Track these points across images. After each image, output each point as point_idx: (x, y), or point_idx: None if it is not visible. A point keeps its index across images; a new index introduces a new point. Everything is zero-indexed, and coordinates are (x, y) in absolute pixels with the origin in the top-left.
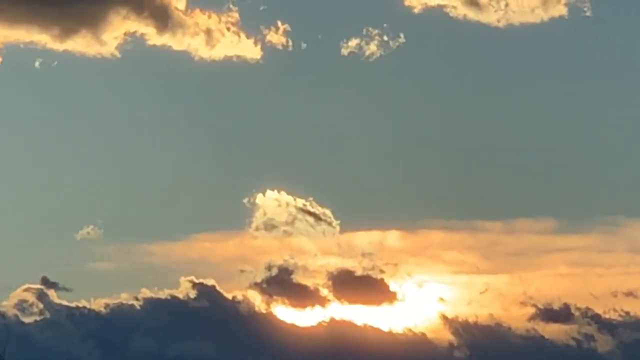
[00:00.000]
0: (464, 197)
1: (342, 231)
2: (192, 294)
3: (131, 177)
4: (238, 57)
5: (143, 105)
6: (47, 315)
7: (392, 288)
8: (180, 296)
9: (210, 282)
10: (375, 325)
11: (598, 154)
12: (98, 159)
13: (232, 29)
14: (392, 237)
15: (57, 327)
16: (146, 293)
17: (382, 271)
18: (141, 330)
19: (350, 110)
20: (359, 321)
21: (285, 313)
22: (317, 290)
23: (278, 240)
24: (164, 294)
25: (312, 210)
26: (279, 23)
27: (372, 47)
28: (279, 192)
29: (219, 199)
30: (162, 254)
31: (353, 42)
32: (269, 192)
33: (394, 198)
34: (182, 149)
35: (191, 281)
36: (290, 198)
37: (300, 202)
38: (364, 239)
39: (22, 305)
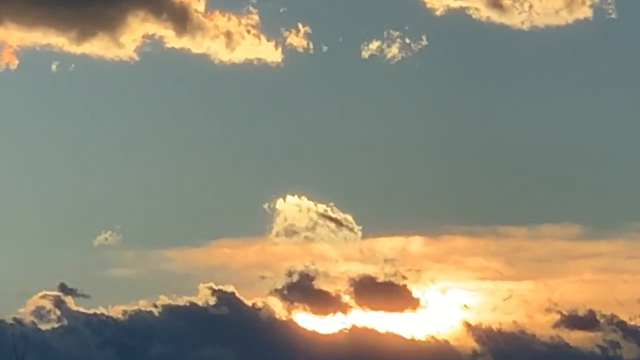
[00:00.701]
0: (488, 202)
1: (364, 237)
2: (212, 300)
3: (150, 182)
4: (259, 60)
5: (162, 110)
6: (65, 322)
7: (414, 295)
8: (200, 303)
9: (229, 288)
10: (398, 333)
11: (625, 158)
12: (116, 164)
13: (252, 31)
14: (415, 243)
15: (75, 334)
16: (165, 300)
17: (404, 277)
18: (160, 338)
19: (372, 114)
20: (381, 328)
21: (306, 320)
22: (338, 297)
23: (299, 246)
24: (182, 300)
25: (333, 215)
26: (300, 25)
27: (394, 49)
28: (299, 197)
29: (239, 204)
30: (182, 260)
31: (374, 45)
32: (289, 197)
33: (417, 203)
34: (202, 153)
35: (210, 288)
36: (311, 203)
37: (321, 207)
38: (386, 244)
39: (39, 312)
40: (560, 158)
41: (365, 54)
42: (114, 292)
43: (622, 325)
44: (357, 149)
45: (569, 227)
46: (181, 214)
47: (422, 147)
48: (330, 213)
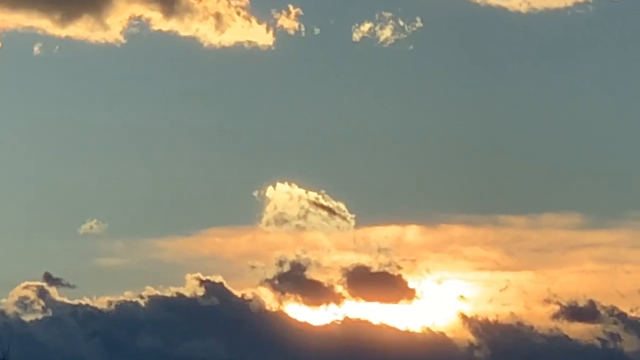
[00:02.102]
0: (487, 190)
1: (357, 226)
2: (200, 291)
3: (138, 169)
4: (249, 43)
5: (149, 94)
6: (49, 313)
7: (409, 285)
8: (187, 294)
9: (217, 278)
10: (392, 324)
11: (627, 146)
12: (102, 150)
13: (243, 13)
14: (411, 232)
15: (59, 326)
16: (151, 291)
17: (399, 267)
18: (148, 329)
19: (366, 99)
20: (375, 320)
21: (298, 311)
22: (331, 287)
23: (290, 235)
24: (169, 291)
25: (325, 204)
26: (291, 7)
27: (387, 32)
28: (289, 185)
29: (229, 192)
30: (171, 250)
31: (366, 27)
32: (279, 185)
33: (413, 191)
34: (190, 139)
35: (198, 278)
36: (302, 191)
37: (312, 195)
38: (381, 233)
39: (22, 303)
40: (561, 145)
41: (356, 36)
42: (100, 282)
43: (622, 317)
44: (350, 135)
45: (570, 216)
46: (171, 202)
47: (418, 133)
48: (321, 201)
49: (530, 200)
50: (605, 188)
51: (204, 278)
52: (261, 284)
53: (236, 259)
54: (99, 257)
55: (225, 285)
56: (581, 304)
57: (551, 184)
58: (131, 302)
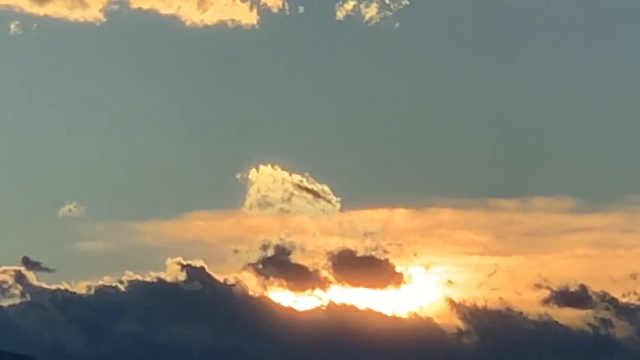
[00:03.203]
0: (477, 173)
1: (343, 209)
2: (181, 276)
3: (118, 151)
4: (232, 21)
5: (130, 75)
6: (28, 298)
7: (396, 270)
8: (168, 279)
9: (199, 263)
10: (378, 309)
11: (621, 130)
12: (82, 132)
13: None
14: (399, 216)
15: (38, 311)
16: (131, 275)
17: (386, 252)
18: (128, 314)
19: (351, 79)
20: (361, 305)
21: (282, 296)
22: (316, 272)
23: (274, 218)
24: (149, 276)
25: (309, 186)
26: None
27: (372, 10)
28: (272, 167)
29: (211, 175)
30: (154, 234)
31: (350, 5)
32: (262, 167)
33: (401, 174)
34: (172, 120)
35: (179, 263)
36: (285, 174)
37: (296, 178)
38: (367, 217)
39: (0, 287)
40: (554, 127)
41: (340, 15)
42: (81, 267)
43: (614, 303)
44: (335, 117)
45: (563, 199)
46: (152, 185)
47: (406, 114)
48: (305, 184)
49: (522, 184)
50: (599, 171)
51: (184, 263)
52: (244, 268)
53: (219, 243)
54: (79, 241)
55: (207, 269)
56: (572, 289)
57: (543, 167)
58: (111, 286)
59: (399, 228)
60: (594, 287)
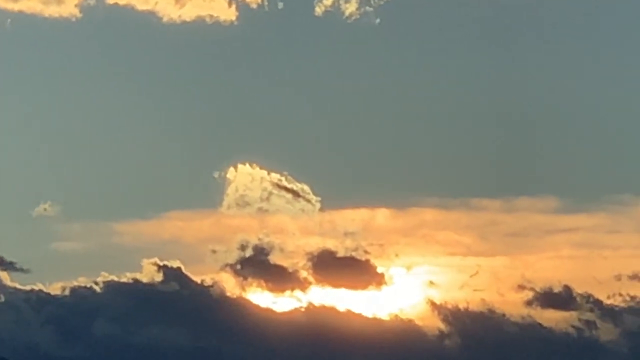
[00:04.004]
0: (460, 172)
1: (323, 209)
2: (158, 277)
3: (93, 149)
4: (211, 17)
5: (106, 72)
6: (1, 298)
7: (377, 271)
8: (144, 280)
9: (175, 263)
10: (359, 311)
11: (605, 128)
12: (56, 129)
13: None
14: (380, 216)
15: (12, 312)
16: (107, 276)
17: (366, 252)
18: (104, 316)
19: (331, 76)
20: (341, 306)
21: (261, 297)
22: (295, 273)
23: (252, 218)
24: (126, 277)
25: (288, 186)
26: None
27: (352, 5)
28: (251, 166)
29: (188, 173)
30: (131, 234)
31: (329, 1)
32: (240, 166)
33: (382, 173)
34: (149, 118)
35: (155, 263)
36: (263, 172)
37: (275, 177)
38: (348, 217)
39: None
40: (539, 126)
41: (319, 10)
42: (56, 267)
43: (599, 305)
44: (314, 114)
45: (547, 199)
46: (129, 184)
47: (386, 111)
48: (284, 183)
49: (506, 183)
50: (585, 171)
51: (161, 263)
52: (222, 269)
53: (197, 243)
54: (54, 241)
55: (184, 270)
56: (556, 290)
57: (527, 166)
58: (87, 287)
59: (380, 228)
60: (578, 289)
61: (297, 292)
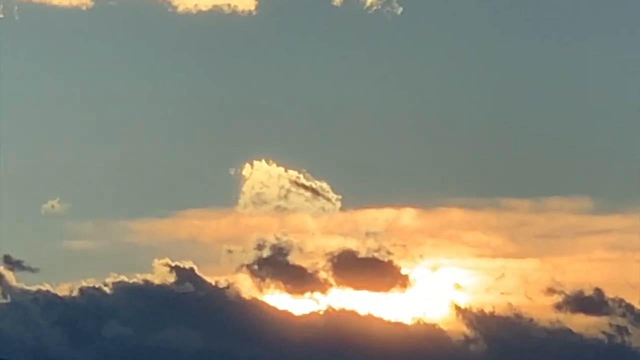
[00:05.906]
0: (489, 171)
1: (344, 207)
2: (170, 278)
3: (106, 144)
4: (228, 7)
5: (118, 64)
6: (9, 299)
7: (401, 272)
8: (156, 281)
9: (188, 264)
10: (380, 315)
11: None
12: (67, 124)
13: None
14: (405, 216)
15: (20, 313)
16: (119, 277)
17: (389, 253)
18: (116, 318)
19: (351, 68)
20: (362, 310)
21: (279, 299)
22: (315, 274)
23: (270, 216)
24: (136, 278)
25: (307, 183)
26: None
27: None
28: (267, 162)
29: (204, 170)
30: (144, 233)
31: None
32: (256, 163)
33: (407, 171)
34: (163, 112)
35: (166, 264)
36: (281, 170)
37: (292, 174)
38: (370, 216)
39: None
40: (572, 123)
41: (337, 2)
42: (65, 266)
43: (631, 309)
44: (334, 109)
45: (579, 200)
46: (142, 181)
47: (410, 106)
48: (302, 181)
49: (536, 183)
50: (618, 170)
51: (172, 264)
52: (239, 270)
53: (212, 242)
54: (65, 240)
55: (197, 271)
56: (587, 294)
57: (560, 165)
58: (98, 288)
59: (403, 228)
60: (610, 293)
61: (317, 295)
